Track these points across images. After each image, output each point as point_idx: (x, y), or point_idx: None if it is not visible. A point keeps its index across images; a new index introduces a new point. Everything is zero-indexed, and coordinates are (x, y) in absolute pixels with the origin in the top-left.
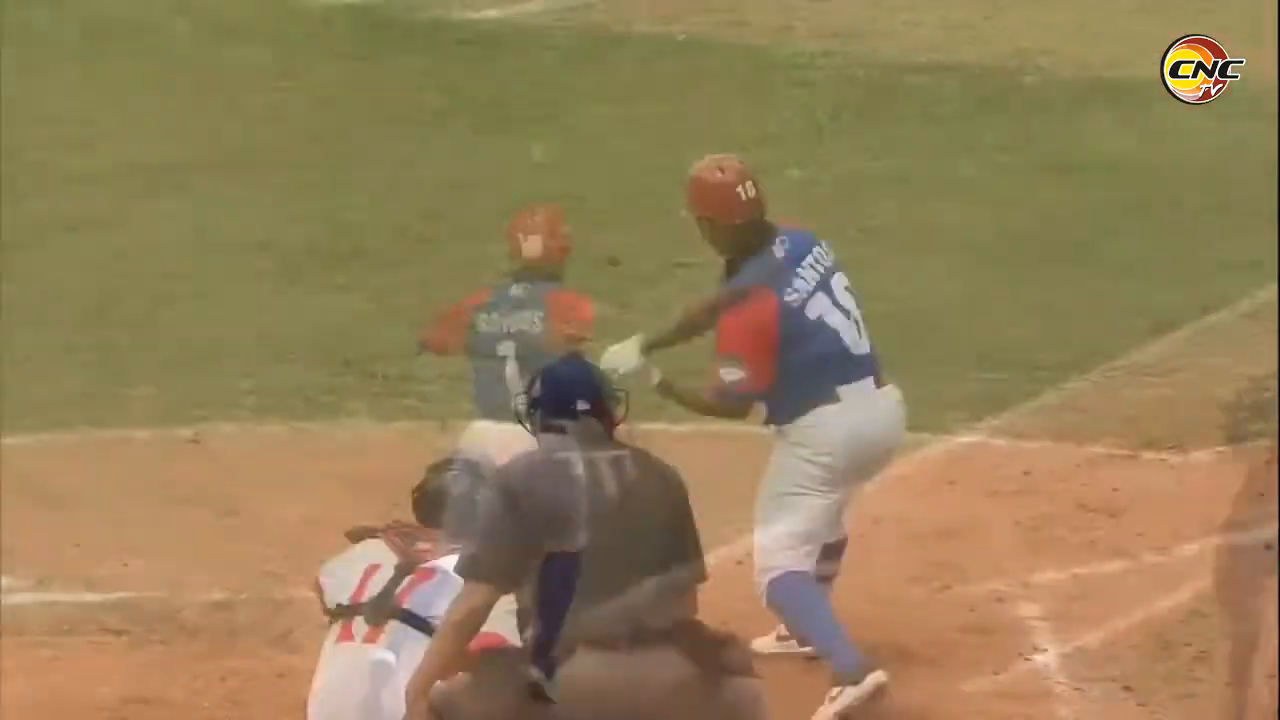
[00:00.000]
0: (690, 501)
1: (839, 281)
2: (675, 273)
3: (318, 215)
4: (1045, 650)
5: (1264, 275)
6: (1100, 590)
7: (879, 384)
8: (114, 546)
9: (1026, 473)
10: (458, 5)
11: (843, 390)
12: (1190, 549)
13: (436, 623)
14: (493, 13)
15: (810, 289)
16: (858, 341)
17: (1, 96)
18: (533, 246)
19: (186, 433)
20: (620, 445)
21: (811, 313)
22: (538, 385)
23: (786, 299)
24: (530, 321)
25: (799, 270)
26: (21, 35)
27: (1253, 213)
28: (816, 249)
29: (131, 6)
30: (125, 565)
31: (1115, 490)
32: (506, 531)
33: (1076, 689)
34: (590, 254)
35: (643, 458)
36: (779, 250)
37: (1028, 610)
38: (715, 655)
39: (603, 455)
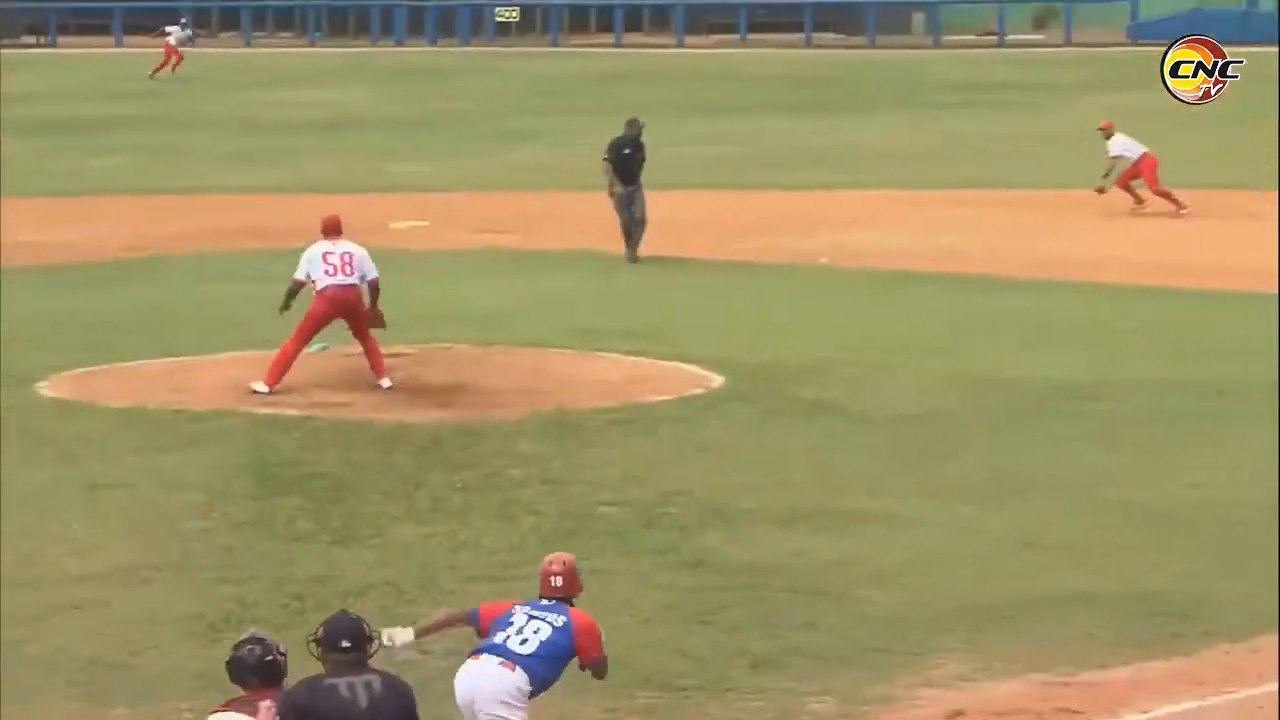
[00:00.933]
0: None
1: (532, 626)
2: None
3: (230, 599)
4: None
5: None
6: None
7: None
8: None
9: None
10: (312, 454)
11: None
12: None
13: None
14: (332, 456)
15: (516, 621)
16: (517, 644)
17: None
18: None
19: None
20: (371, 670)
21: (511, 618)
22: (321, 629)
23: (511, 619)
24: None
25: (516, 615)
26: (23, 497)
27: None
28: (547, 616)
29: (115, 469)
30: None
31: None
32: None
33: None
34: (403, 621)
35: (386, 678)
36: (529, 609)
37: None
38: None
39: (359, 679)
